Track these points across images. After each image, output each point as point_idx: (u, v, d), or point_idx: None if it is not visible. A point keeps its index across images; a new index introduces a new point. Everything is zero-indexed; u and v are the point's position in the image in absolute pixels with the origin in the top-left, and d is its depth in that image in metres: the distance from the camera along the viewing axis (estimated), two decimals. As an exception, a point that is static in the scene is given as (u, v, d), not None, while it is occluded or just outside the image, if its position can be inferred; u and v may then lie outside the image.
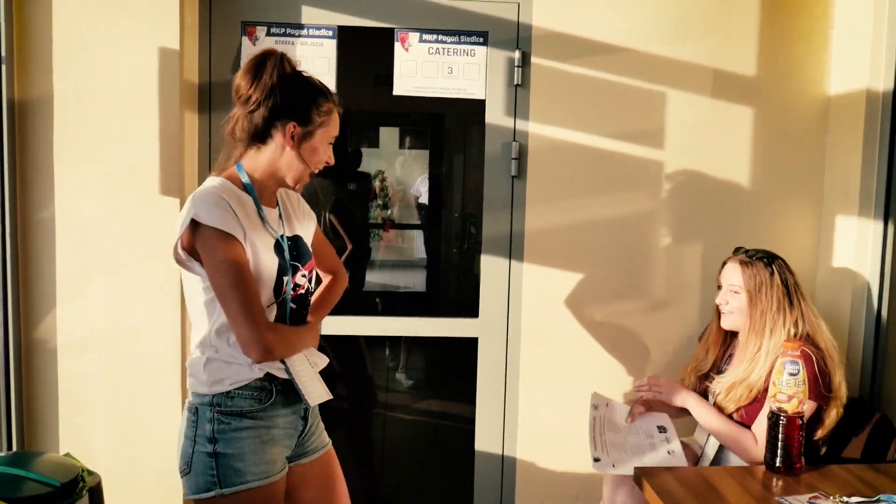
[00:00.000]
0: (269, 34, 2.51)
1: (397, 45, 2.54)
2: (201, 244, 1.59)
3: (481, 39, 2.55)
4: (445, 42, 2.55)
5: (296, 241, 1.80)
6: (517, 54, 2.54)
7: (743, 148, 2.62)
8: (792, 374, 1.92)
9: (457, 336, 2.66)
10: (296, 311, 1.75)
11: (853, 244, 2.50)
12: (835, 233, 2.60)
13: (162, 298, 2.40)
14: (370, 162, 5.64)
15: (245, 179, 1.70)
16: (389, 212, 4.45)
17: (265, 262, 1.65)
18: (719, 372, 2.27)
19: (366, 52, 2.73)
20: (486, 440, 2.68)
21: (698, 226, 2.64)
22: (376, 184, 5.20)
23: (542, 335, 2.63)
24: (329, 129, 1.72)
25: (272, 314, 1.69)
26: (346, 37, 2.53)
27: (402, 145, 5.61)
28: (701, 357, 2.36)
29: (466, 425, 2.76)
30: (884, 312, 2.41)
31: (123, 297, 2.40)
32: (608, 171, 2.60)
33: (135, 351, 2.42)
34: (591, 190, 2.60)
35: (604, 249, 2.63)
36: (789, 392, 1.91)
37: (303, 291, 1.77)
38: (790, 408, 1.91)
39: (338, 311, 2.03)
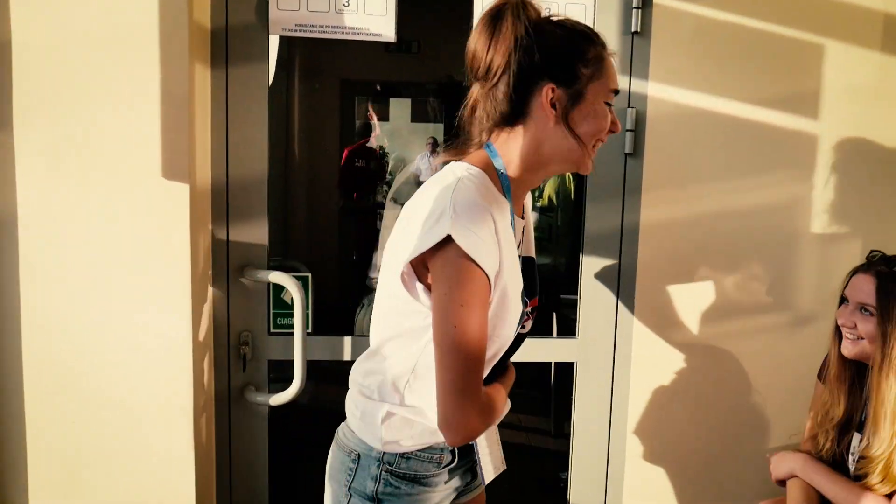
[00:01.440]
0: (307, -39, 1.86)
1: (479, -21, 1.90)
2: (440, 269, 1.15)
3: (588, -29, 1.92)
4: (541, -26, 1.91)
5: (529, 264, 1.36)
6: (636, -9, 1.91)
7: (918, 117, 2.03)
8: None
9: (549, 361, 2.06)
10: (506, 354, 1.34)
11: None
12: None
13: (162, 325, 1.77)
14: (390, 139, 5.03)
15: (501, 171, 1.26)
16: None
17: (513, 300, 1.24)
18: (860, 427, 1.69)
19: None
20: (583, 494, 2.09)
21: (858, 218, 2.05)
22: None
23: (658, 360, 2.04)
24: (605, 82, 1.24)
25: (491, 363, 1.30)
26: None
27: (414, 118, 4.99)
28: (828, 402, 1.77)
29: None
30: None
31: (104, 318, 1.76)
32: (748, 147, 2.00)
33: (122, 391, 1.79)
34: (727, 171, 2.00)
35: (739, 248, 2.03)
36: None
37: (524, 331, 1.36)
38: None
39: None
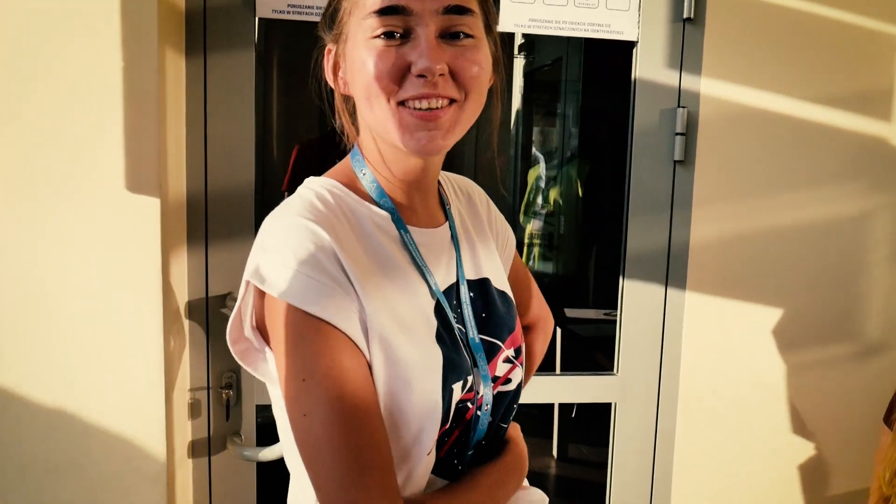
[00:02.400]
0: (300, -71, 1.54)
1: (505, -47, 1.60)
2: (272, 325, 0.77)
3: (634, -53, 1.64)
4: (580, -51, 1.62)
5: (483, 290, 0.91)
6: (690, -29, 1.63)
7: None
8: None
9: (586, 402, 1.77)
10: (492, 429, 0.88)
11: None
12: None
13: (130, 369, 1.44)
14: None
15: (365, 172, 0.86)
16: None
17: (412, 358, 0.77)
18: None
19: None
20: (621, 552, 1.81)
21: (934, 234, 1.80)
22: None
23: (708, 400, 1.76)
24: (361, 11, 0.78)
25: (425, 462, 0.80)
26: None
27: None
28: None
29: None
30: None
31: (60, 365, 1.43)
32: (814, 154, 1.73)
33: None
34: (789, 182, 1.73)
35: (802, 269, 1.76)
36: None
37: (508, 388, 0.89)
38: None
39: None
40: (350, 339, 0.73)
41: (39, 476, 1.44)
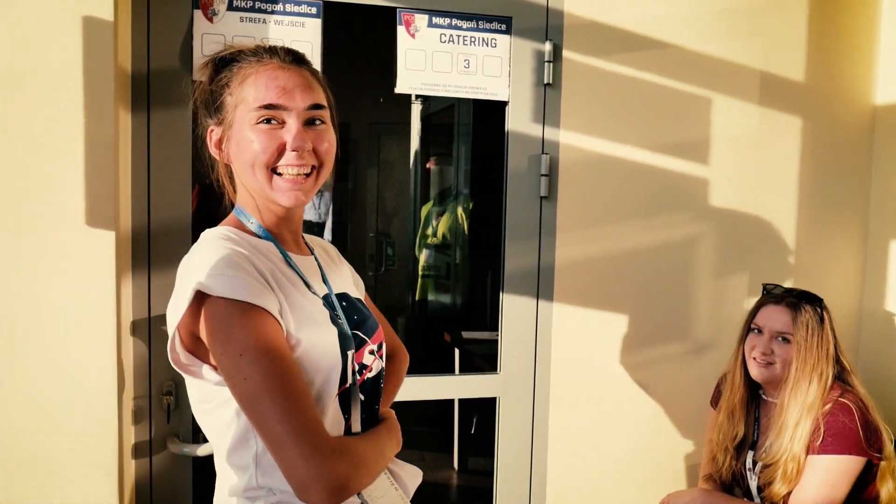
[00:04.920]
0: (231, 7, 1.86)
1: (401, 30, 1.97)
2: (211, 330, 1.01)
3: (504, 27, 2.04)
4: (461, 28, 2.01)
5: (349, 300, 1.23)
6: (547, 46, 2.04)
7: (790, 164, 2.28)
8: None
9: (473, 397, 2.12)
10: (366, 406, 1.18)
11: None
12: (888, 265, 2.31)
13: (86, 377, 1.69)
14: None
15: (249, 220, 1.17)
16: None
17: (317, 338, 1.08)
18: (753, 445, 1.89)
19: (360, 37, 2.14)
20: (508, 524, 2.16)
21: (743, 254, 2.27)
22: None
23: (575, 392, 2.15)
24: (248, 102, 1.11)
25: (334, 419, 1.11)
26: (334, 16, 1.93)
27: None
28: (728, 426, 1.94)
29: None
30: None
31: (23, 369, 1.67)
32: (649, 190, 2.17)
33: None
34: (632, 212, 2.16)
35: (645, 283, 2.19)
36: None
37: (372, 375, 1.20)
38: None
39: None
40: (274, 317, 1.02)
41: (14, 462, 1.66)
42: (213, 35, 1.85)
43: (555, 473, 2.16)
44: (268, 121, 1.09)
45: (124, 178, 1.78)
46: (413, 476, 1.26)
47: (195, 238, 1.14)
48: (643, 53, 2.12)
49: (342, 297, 1.22)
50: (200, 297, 1.00)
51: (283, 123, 1.10)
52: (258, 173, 1.10)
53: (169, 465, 1.90)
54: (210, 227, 1.17)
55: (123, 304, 1.79)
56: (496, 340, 2.16)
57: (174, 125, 1.84)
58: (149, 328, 1.86)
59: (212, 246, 1.06)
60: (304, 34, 1.90)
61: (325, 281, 1.22)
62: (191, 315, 1.02)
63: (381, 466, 1.13)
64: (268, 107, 1.08)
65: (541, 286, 2.12)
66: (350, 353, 1.12)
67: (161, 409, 1.88)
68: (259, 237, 1.15)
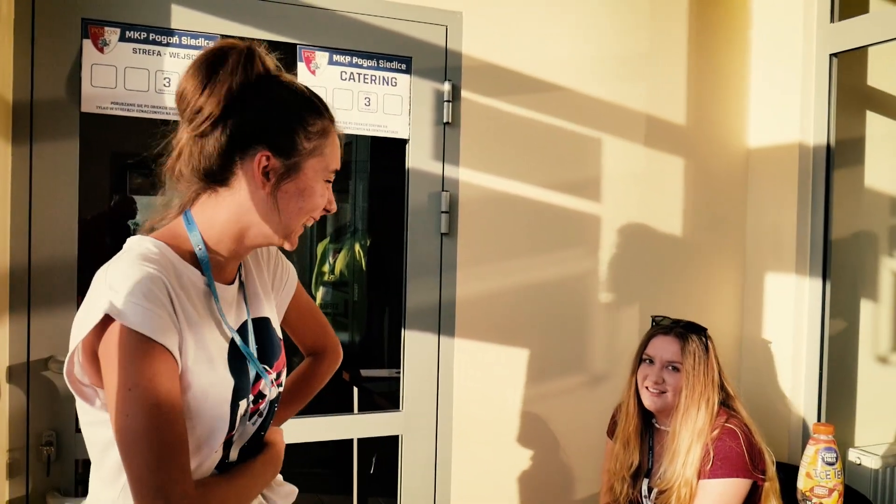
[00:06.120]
0: (124, 38, 1.80)
1: (301, 66, 1.97)
2: (107, 352, 0.99)
3: (404, 66, 2.07)
4: (361, 66, 2.03)
5: (263, 328, 1.21)
6: (446, 86, 2.09)
7: (675, 202, 2.42)
8: (829, 464, 1.67)
9: (376, 436, 2.10)
10: (255, 436, 1.17)
11: (790, 305, 2.38)
12: (764, 295, 2.47)
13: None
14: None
15: (197, 246, 1.10)
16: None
17: (210, 390, 1.06)
18: (647, 473, 1.97)
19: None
20: (412, 565, 2.13)
21: (634, 287, 2.37)
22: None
23: (477, 427, 2.16)
24: (326, 160, 1.13)
25: (212, 458, 1.10)
26: (232, 50, 1.90)
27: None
28: (623, 455, 1.99)
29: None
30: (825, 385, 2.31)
31: None
32: (546, 227, 2.24)
33: None
34: (530, 248, 2.22)
35: (544, 317, 2.24)
36: (829, 485, 1.66)
37: (265, 405, 1.18)
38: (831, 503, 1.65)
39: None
40: (171, 354, 0.99)
41: None
42: (103, 66, 1.78)
43: (458, 509, 2.15)
44: (328, 181, 1.15)
45: (3, 213, 1.67)
46: (286, 496, 1.25)
47: (81, 277, 1.07)
48: (538, 95, 2.20)
49: (260, 323, 1.19)
50: (108, 317, 0.98)
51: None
52: (302, 220, 1.14)
53: (48, 522, 1.76)
54: (98, 266, 1.10)
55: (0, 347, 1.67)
56: (396, 378, 2.15)
57: (59, 158, 1.75)
58: (28, 374, 1.73)
59: (135, 265, 1.02)
60: (200, 68, 1.86)
61: (246, 305, 1.18)
62: (94, 333, 0.99)
63: (248, 498, 1.14)
64: (336, 171, 1.17)
65: (442, 322, 2.13)
66: (243, 402, 1.11)
67: (40, 462, 1.75)
68: (189, 262, 1.10)
